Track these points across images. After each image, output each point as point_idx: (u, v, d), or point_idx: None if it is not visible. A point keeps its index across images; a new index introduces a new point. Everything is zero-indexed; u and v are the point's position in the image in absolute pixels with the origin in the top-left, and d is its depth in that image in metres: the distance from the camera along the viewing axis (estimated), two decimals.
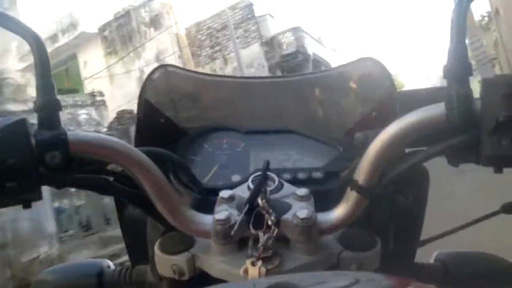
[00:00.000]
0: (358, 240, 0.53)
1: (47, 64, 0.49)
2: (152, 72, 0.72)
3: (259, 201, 0.51)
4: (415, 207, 0.67)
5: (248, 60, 13.77)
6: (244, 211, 0.51)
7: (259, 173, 0.57)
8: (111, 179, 0.55)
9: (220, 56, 14.41)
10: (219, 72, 11.84)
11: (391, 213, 0.62)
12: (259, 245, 0.48)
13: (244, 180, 0.62)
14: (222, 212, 0.52)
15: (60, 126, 0.49)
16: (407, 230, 0.67)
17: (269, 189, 0.54)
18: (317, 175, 0.67)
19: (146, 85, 0.71)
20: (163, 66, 0.73)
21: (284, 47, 14.14)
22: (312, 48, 14.79)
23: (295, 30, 14.23)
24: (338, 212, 0.53)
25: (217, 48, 14.48)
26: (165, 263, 0.55)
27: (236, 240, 0.51)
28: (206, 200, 0.61)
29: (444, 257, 0.66)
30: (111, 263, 0.74)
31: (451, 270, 0.64)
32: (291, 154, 0.73)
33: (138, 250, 0.71)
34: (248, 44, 14.03)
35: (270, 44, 14.13)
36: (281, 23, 14.88)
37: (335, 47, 20.12)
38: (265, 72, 13.17)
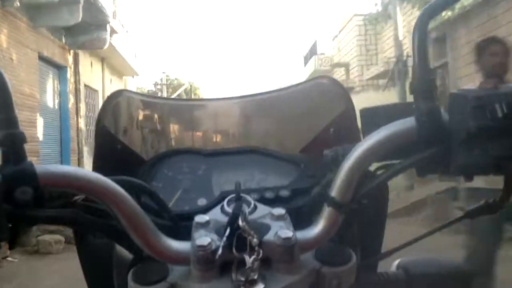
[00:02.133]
0: (334, 255, 0.55)
1: (10, 97, 0.47)
2: (109, 98, 0.70)
3: (240, 223, 0.51)
4: (376, 219, 0.70)
5: None
6: (226, 234, 0.50)
7: (233, 195, 0.57)
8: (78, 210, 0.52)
9: None
10: None
11: (358, 227, 0.64)
12: (247, 268, 0.48)
13: (215, 203, 0.62)
14: (202, 238, 0.51)
15: (26, 159, 0.46)
16: (370, 242, 0.70)
17: (246, 210, 0.54)
18: (284, 193, 0.68)
19: (103, 111, 0.69)
20: (119, 92, 0.71)
21: None
22: None
23: None
24: (316, 229, 0.54)
25: None
26: None
27: (218, 265, 0.51)
28: (176, 227, 0.60)
29: (405, 264, 0.69)
30: None
31: (414, 276, 0.66)
32: (255, 173, 0.74)
33: (100, 283, 0.68)
34: None
35: None
36: None
37: None
38: None
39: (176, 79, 34.63)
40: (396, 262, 0.72)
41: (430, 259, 0.71)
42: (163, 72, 33.21)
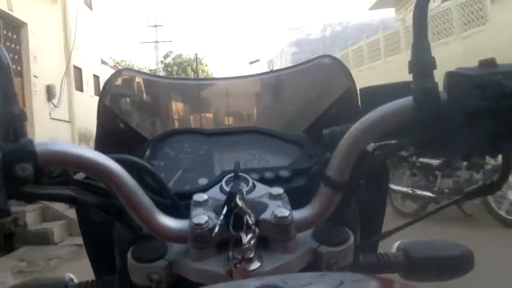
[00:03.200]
0: (332, 234, 0.55)
1: (9, 75, 0.47)
2: (112, 76, 0.70)
3: (237, 202, 0.51)
4: (377, 200, 0.70)
5: None
6: (223, 213, 0.51)
7: (231, 174, 0.58)
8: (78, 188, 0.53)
9: None
10: None
11: (357, 207, 0.64)
12: (244, 246, 0.48)
13: (214, 183, 0.62)
14: (199, 216, 0.51)
15: (26, 137, 0.46)
16: (370, 223, 0.70)
17: (244, 189, 0.55)
18: (284, 173, 0.68)
19: (105, 90, 0.69)
20: (122, 71, 0.71)
21: None
22: None
23: None
24: (313, 209, 0.54)
25: None
26: (140, 271, 0.54)
27: (215, 243, 0.51)
28: (175, 205, 0.61)
29: (405, 246, 0.70)
30: (74, 277, 0.71)
31: (413, 258, 0.67)
32: (256, 153, 0.74)
33: (103, 261, 0.69)
34: None
35: None
36: None
37: None
38: None
39: (180, 55, 33.63)
40: (396, 244, 0.72)
41: (431, 241, 0.71)
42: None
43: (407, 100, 0.49)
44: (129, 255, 0.55)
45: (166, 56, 33.31)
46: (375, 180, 0.68)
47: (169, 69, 29.02)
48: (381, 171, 0.68)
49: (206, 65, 35.21)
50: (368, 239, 0.68)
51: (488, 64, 0.47)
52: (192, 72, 27.28)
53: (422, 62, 0.48)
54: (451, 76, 0.47)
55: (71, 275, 0.71)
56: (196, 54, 24.19)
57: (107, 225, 0.62)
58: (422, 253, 0.67)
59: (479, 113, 0.45)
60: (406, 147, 0.51)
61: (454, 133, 0.47)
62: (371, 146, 0.55)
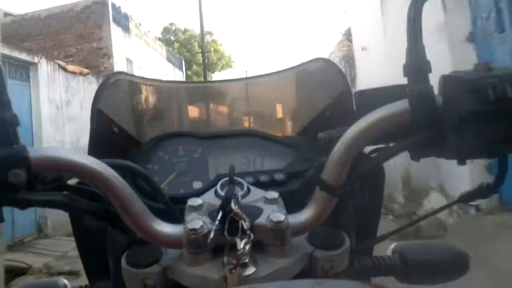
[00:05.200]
0: (327, 238, 0.55)
1: (2, 80, 0.46)
2: (105, 80, 0.69)
3: (232, 206, 0.51)
4: (372, 203, 0.70)
5: None
6: (218, 218, 0.50)
7: (226, 178, 0.57)
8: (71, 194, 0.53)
9: None
10: None
11: (353, 211, 0.64)
12: (238, 251, 0.48)
13: (209, 187, 0.62)
14: (194, 221, 0.51)
15: (19, 142, 0.46)
16: (365, 226, 0.70)
17: (239, 194, 0.54)
18: (279, 176, 0.68)
19: (99, 93, 0.69)
20: (116, 74, 0.71)
21: None
22: None
23: None
24: (308, 213, 0.54)
25: None
26: (135, 277, 0.53)
27: (210, 249, 0.51)
28: (169, 210, 0.60)
29: (401, 248, 0.70)
30: (67, 282, 0.71)
31: (409, 261, 0.67)
32: (250, 156, 0.74)
33: (96, 266, 0.68)
34: None
35: None
36: None
37: None
38: None
39: (185, 30, 28.24)
40: (392, 246, 0.72)
41: (426, 243, 0.71)
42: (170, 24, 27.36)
43: (403, 103, 0.49)
44: (123, 261, 0.54)
45: (167, 31, 27.88)
46: (370, 183, 0.67)
47: (170, 48, 22.21)
48: (377, 174, 0.68)
49: (221, 45, 29.87)
50: (364, 242, 0.68)
51: (483, 67, 0.47)
52: (200, 49, 20.56)
53: (417, 65, 0.48)
54: (446, 80, 0.47)
55: (65, 281, 0.71)
56: (202, 27, 16.95)
57: (101, 230, 0.62)
58: (417, 256, 0.67)
59: (474, 116, 0.45)
60: (402, 150, 0.51)
61: (450, 136, 0.47)
62: (366, 149, 0.54)
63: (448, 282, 0.68)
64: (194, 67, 26.18)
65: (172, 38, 27.77)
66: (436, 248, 0.69)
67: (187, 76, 23.05)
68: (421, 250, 0.68)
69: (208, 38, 26.45)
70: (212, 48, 27.13)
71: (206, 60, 19.55)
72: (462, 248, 0.68)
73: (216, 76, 27.93)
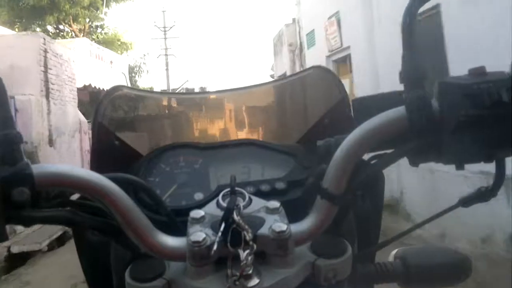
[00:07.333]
0: (329, 247, 0.55)
1: (5, 97, 0.47)
2: (106, 93, 0.70)
3: (235, 217, 0.51)
4: (373, 210, 0.71)
5: None
6: (221, 230, 0.50)
7: (227, 189, 0.57)
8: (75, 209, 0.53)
9: None
10: None
11: (354, 218, 0.64)
12: (242, 263, 0.48)
13: (211, 198, 0.62)
14: (197, 233, 0.51)
15: (23, 160, 0.46)
16: (367, 233, 0.70)
17: (241, 204, 0.54)
18: (280, 185, 0.68)
19: (100, 107, 0.69)
20: (116, 87, 0.71)
21: None
22: None
23: None
24: (310, 222, 0.54)
25: None
26: None
27: (214, 261, 0.51)
28: (172, 222, 0.60)
29: (403, 254, 0.70)
30: None
31: (411, 266, 0.67)
32: (251, 166, 0.74)
33: (99, 280, 0.68)
34: None
35: None
36: None
37: None
38: None
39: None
40: (394, 252, 0.72)
41: (428, 247, 0.71)
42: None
43: (400, 109, 0.49)
44: (126, 275, 0.54)
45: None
46: (371, 190, 0.68)
47: None
48: (377, 181, 0.69)
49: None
50: (366, 249, 0.68)
51: (478, 72, 0.47)
52: None
53: (413, 71, 0.49)
54: (441, 85, 0.48)
55: None
56: None
57: (104, 245, 0.62)
58: (420, 261, 0.67)
59: (470, 121, 0.45)
60: (401, 156, 0.51)
61: (448, 141, 0.47)
62: (366, 157, 0.55)
63: (451, 286, 0.68)
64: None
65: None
66: (439, 253, 0.69)
67: None
68: (424, 255, 0.68)
69: None
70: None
71: None
72: (464, 253, 0.68)
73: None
